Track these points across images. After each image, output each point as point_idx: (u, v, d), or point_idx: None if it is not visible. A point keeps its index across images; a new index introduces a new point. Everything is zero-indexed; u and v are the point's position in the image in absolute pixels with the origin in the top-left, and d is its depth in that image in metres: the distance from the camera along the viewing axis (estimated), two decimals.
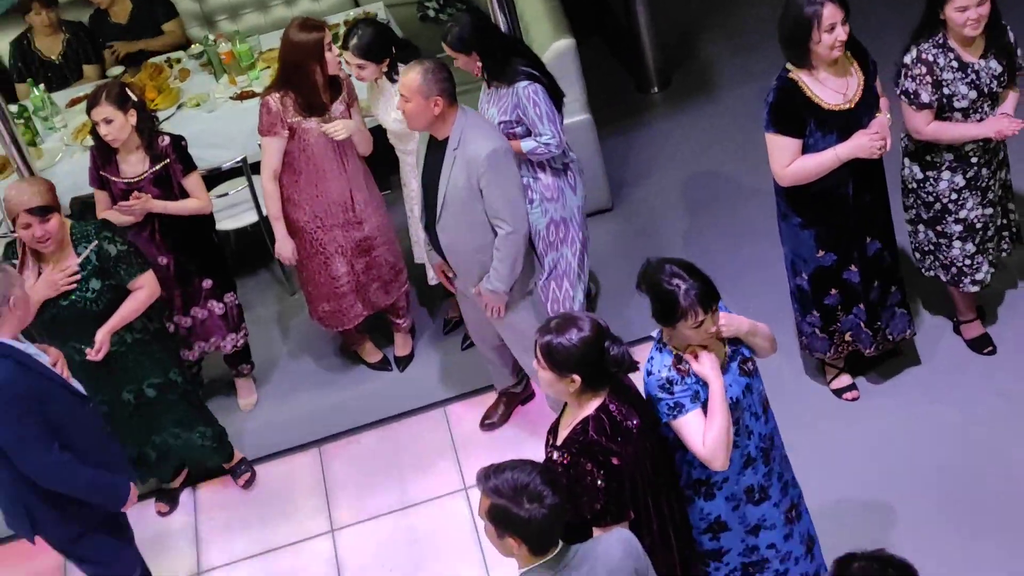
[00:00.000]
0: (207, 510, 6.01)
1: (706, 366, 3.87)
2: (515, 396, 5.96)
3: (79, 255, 5.15)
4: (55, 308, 5.13)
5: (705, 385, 3.89)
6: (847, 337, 5.33)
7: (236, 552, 5.76)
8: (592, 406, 3.76)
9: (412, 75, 4.87)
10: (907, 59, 4.93)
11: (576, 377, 3.69)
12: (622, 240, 6.75)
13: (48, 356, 4.69)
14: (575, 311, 3.86)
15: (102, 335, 5.20)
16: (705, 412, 3.89)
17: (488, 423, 5.97)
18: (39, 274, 5.15)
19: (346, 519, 5.78)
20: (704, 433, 3.85)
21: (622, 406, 3.79)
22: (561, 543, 3.29)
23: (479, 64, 5.36)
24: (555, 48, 6.42)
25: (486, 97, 5.52)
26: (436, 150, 5.06)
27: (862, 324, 5.27)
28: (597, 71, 6.73)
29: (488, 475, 3.29)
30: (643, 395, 4.04)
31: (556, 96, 5.53)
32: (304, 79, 5.56)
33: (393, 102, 5.54)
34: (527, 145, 5.37)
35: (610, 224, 6.85)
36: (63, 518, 4.79)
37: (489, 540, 3.34)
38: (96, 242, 5.17)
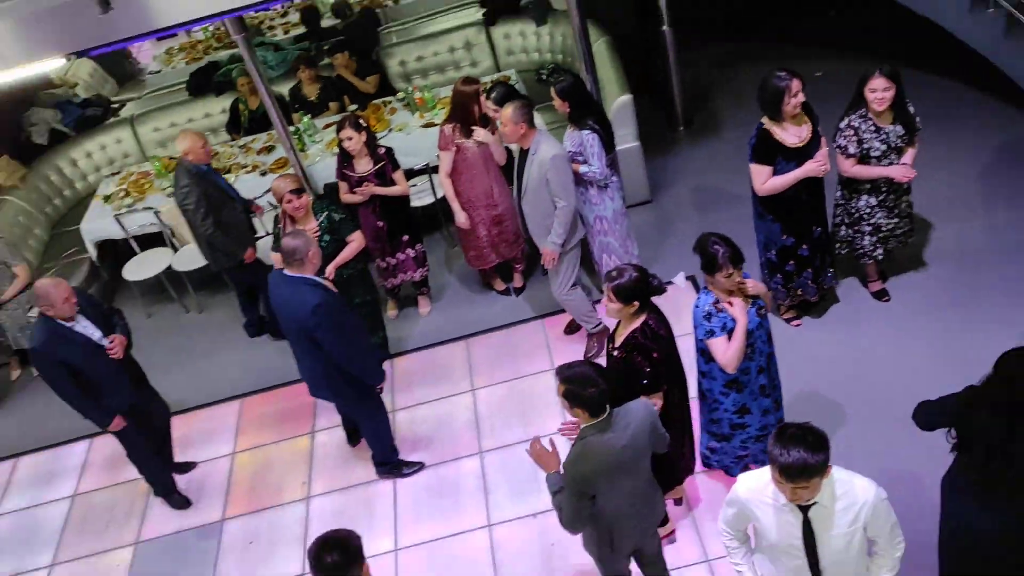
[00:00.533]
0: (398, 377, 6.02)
1: (737, 309, 3.90)
2: (603, 332, 5.78)
3: (317, 220, 5.29)
4: None
5: (732, 321, 3.93)
6: (798, 292, 5.35)
7: (419, 397, 5.79)
8: (639, 321, 3.86)
9: (508, 110, 4.96)
10: (841, 124, 4.93)
11: (635, 303, 3.81)
12: (656, 221, 6.74)
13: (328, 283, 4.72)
14: (623, 264, 4.00)
15: (330, 268, 5.30)
16: (728, 339, 3.92)
17: (569, 331, 5.97)
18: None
19: (482, 382, 5.80)
20: (726, 350, 3.94)
21: (657, 321, 3.89)
22: (608, 409, 3.39)
23: (568, 110, 5.28)
24: (619, 101, 6.45)
25: (568, 132, 5.40)
26: (522, 156, 5.14)
27: (809, 282, 5.29)
28: (644, 114, 6.72)
29: (563, 371, 3.37)
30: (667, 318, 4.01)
31: (609, 140, 5.38)
32: (466, 114, 5.64)
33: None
34: (583, 169, 5.30)
35: (649, 211, 6.83)
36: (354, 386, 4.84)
37: (564, 408, 3.40)
38: (327, 212, 5.30)
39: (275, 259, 5.38)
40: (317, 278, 4.56)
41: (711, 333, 3.97)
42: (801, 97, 4.70)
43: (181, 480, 5.63)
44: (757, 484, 3.11)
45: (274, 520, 5.30)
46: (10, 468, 6.20)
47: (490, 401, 5.68)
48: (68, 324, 4.76)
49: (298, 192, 5.16)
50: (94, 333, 4.85)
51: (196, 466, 5.76)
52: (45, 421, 6.46)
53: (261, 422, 6.00)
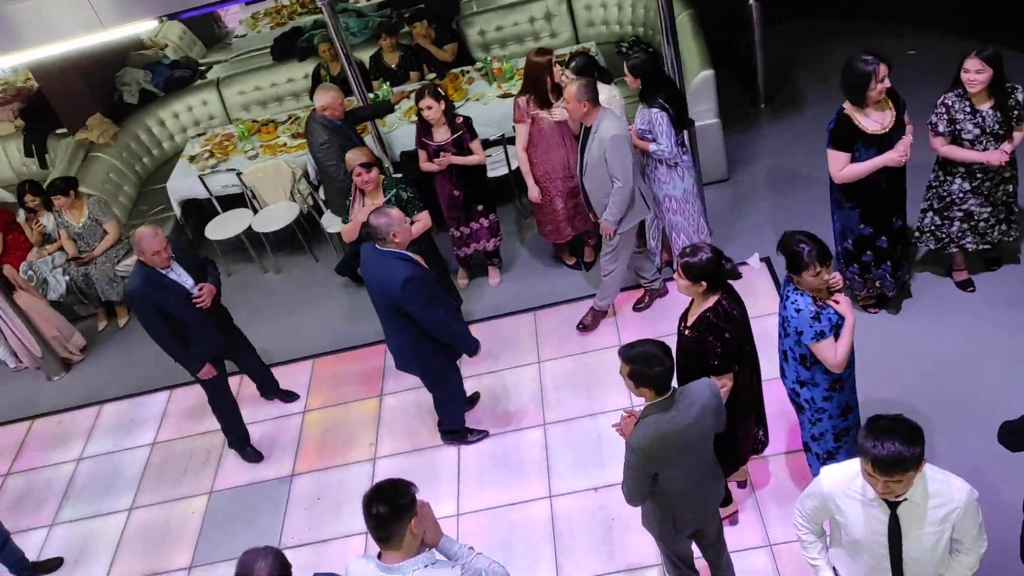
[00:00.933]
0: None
1: (844, 306, 3.73)
2: (655, 291, 5.92)
3: (386, 196, 5.29)
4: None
5: (837, 317, 3.70)
6: (876, 284, 5.19)
7: (485, 366, 5.82)
8: (711, 301, 3.79)
9: (573, 88, 4.93)
10: (937, 102, 4.76)
11: (703, 283, 3.76)
12: (732, 200, 6.62)
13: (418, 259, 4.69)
14: (700, 242, 3.87)
15: None
16: (835, 338, 3.73)
17: (638, 307, 5.95)
18: (363, 204, 5.31)
19: (549, 354, 5.81)
20: (836, 350, 3.71)
21: (730, 302, 3.82)
22: (673, 387, 3.36)
23: (639, 87, 5.23)
24: (700, 76, 6.36)
25: (639, 109, 5.35)
26: (585, 133, 5.12)
27: (888, 275, 5.12)
28: (725, 90, 6.63)
29: (626, 351, 3.34)
30: (743, 303, 3.90)
31: (680, 119, 5.34)
32: (539, 86, 5.59)
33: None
34: (652, 147, 5.30)
35: (726, 189, 6.71)
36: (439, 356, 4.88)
37: (630, 390, 3.38)
38: (395, 190, 5.30)
39: (344, 231, 5.44)
40: (407, 252, 4.60)
41: (821, 335, 3.71)
42: (887, 83, 4.53)
43: (254, 435, 5.80)
44: (844, 477, 2.99)
45: (341, 478, 5.43)
46: (95, 414, 6.48)
47: (556, 374, 5.69)
48: (163, 271, 4.95)
49: (367, 166, 5.20)
50: (187, 281, 5.04)
51: (299, 397, 6.00)
52: (129, 371, 6.74)
53: (332, 382, 6.13)
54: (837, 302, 3.76)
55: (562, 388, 5.58)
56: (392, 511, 2.86)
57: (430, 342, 4.75)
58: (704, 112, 6.37)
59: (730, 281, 3.87)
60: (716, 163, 6.66)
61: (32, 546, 5.46)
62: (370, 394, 5.95)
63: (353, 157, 5.26)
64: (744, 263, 5.92)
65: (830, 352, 3.74)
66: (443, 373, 5.03)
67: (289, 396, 6.04)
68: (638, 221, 5.40)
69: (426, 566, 2.91)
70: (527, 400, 5.56)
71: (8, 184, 8.55)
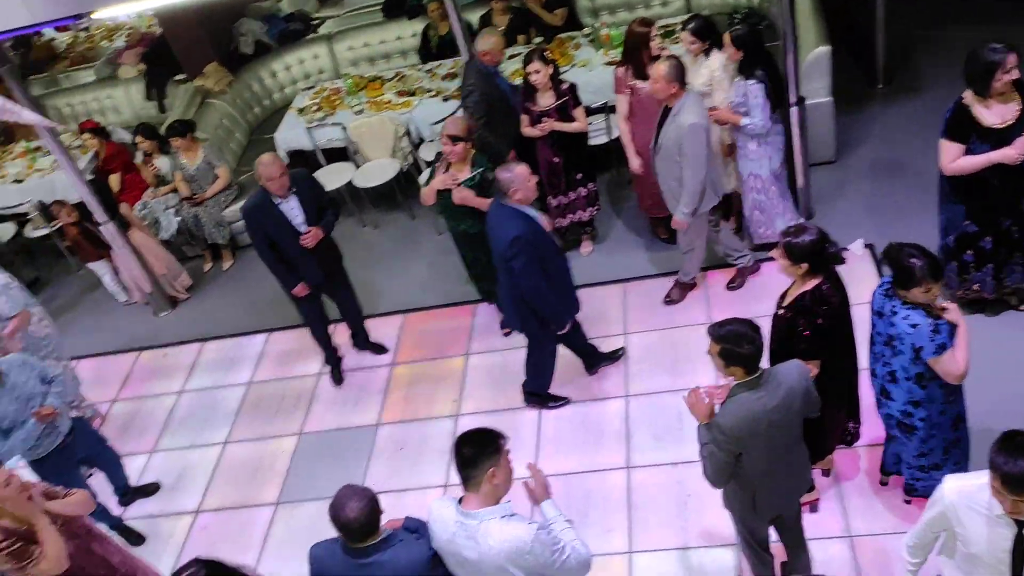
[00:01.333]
0: None
1: (955, 313, 3.57)
2: (746, 269, 5.81)
3: (472, 172, 5.23)
4: (447, 195, 5.25)
5: (948, 326, 3.52)
6: (975, 287, 4.94)
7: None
8: (811, 284, 3.70)
9: (663, 67, 4.86)
10: None
11: (805, 265, 3.67)
12: (837, 183, 6.40)
13: (542, 221, 4.75)
14: (808, 224, 3.73)
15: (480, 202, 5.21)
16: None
17: (731, 286, 5.85)
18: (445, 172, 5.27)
19: (636, 327, 5.78)
20: (958, 359, 3.52)
21: (831, 288, 3.71)
22: (761, 367, 3.31)
23: (739, 58, 5.15)
24: (816, 52, 6.14)
25: (735, 82, 5.24)
26: (665, 113, 5.06)
27: (989, 278, 4.88)
28: (842, 68, 6.41)
29: (716, 329, 3.29)
30: (845, 293, 3.77)
31: (778, 96, 5.26)
32: (637, 56, 5.51)
33: (703, 72, 5.44)
34: (743, 121, 5.22)
35: (831, 171, 6.49)
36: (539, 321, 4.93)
37: (718, 369, 3.34)
38: (482, 169, 5.25)
39: (422, 194, 5.45)
40: (529, 210, 4.63)
41: (943, 347, 3.49)
42: (1015, 74, 4.28)
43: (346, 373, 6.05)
44: (969, 489, 2.87)
45: (423, 431, 5.56)
46: (197, 350, 6.79)
47: (641, 346, 5.67)
48: (277, 200, 5.19)
49: (455, 139, 5.17)
50: (296, 217, 5.31)
51: (388, 351, 6.19)
52: (230, 312, 7.04)
53: (421, 338, 6.26)
54: (945, 309, 3.58)
55: (646, 361, 5.56)
56: (475, 454, 2.99)
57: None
58: (817, 90, 6.17)
59: (834, 267, 3.76)
60: (824, 143, 6.46)
61: (133, 471, 5.78)
62: (457, 352, 6.04)
63: (447, 126, 5.27)
64: (845, 249, 5.73)
65: (953, 364, 3.54)
66: (540, 333, 5.05)
67: (378, 349, 6.20)
68: (709, 207, 5.32)
69: (502, 517, 2.99)
70: (611, 371, 5.56)
71: (128, 126, 8.95)
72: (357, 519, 3.00)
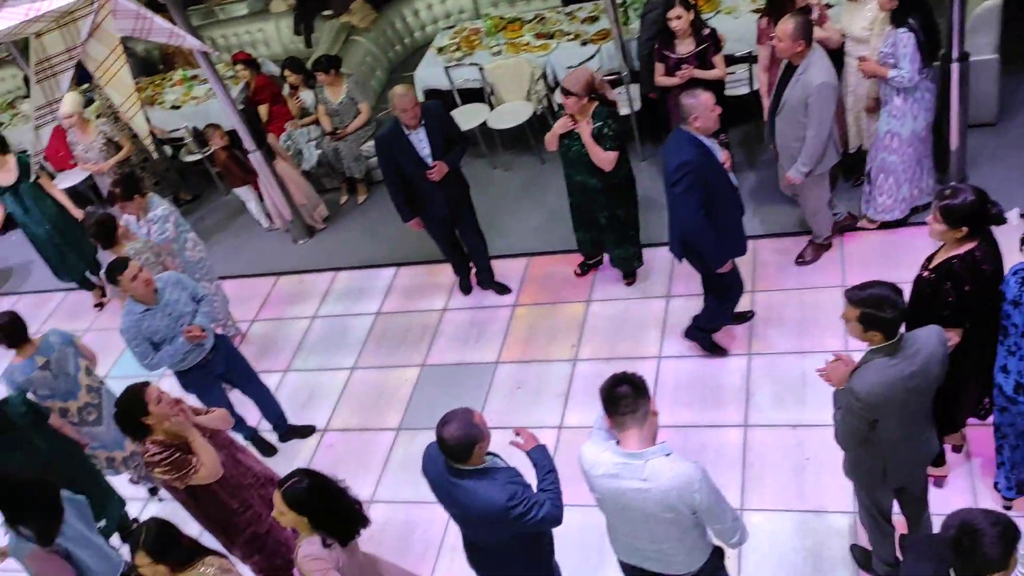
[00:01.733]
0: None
1: None
2: (823, 246, 5.60)
3: (592, 123, 5.14)
4: (568, 141, 5.23)
5: None
6: None
7: (696, 288, 5.71)
8: (965, 248, 3.53)
9: (789, 25, 4.66)
10: None
11: (964, 228, 3.47)
12: (996, 147, 6.00)
13: (720, 155, 4.64)
14: (963, 185, 3.49)
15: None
16: None
17: (800, 261, 5.64)
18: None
19: (764, 286, 5.63)
20: None
21: (984, 254, 3.52)
22: (899, 332, 3.18)
23: (894, 6, 4.87)
24: (985, 5, 5.72)
25: (886, 31, 4.98)
26: (790, 71, 4.85)
27: None
28: (1014, 23, 5.93)
29: (855, 293, 3.15)
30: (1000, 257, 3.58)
31: (932, 48, 4.98)
32: (781, 6, 5.28)
33: (862, 15, 5.20)
34: (891, 72, 4.95)
35: (991, 134, 6.08)
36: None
37: (853, 334, 3.20)
38: (601, 123, 5.14)
39: (547, 139, 5.37)
40: (707, 140, 4.52)
41: None
42: None
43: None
44: None
45: (541, 373, 5.63)
46: (330, 279, 7.07)
47: (769, 305, 5.54)
48: (407, 131, 5.34)
49: (567, 93, 5.08)
50: (423, 149, 5.44)
51: (511, 291, 6.30)
52: (363, 244, 7.27)
53: (544, 282, 6.31)
54: None
55: (773, 320, 5.43)
56: (635, 390, 3.03)
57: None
58: (982, 46, 5.74)
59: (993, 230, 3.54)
60: (986, 104, 6.03)
61: (268, 386, 6.09)
62: (578, 298, 6.06)
63: (567, 77, 5.16)
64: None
65: None
66: (716, 270, 4.87)
67: (502, 289, 6.29)
68: (828, 167, 5.12)
69: (667, 455, 3.02)
70: (735, 328, 5.46)
71: (277, 59, 9.27)
72: (448, 441, 3.19)
